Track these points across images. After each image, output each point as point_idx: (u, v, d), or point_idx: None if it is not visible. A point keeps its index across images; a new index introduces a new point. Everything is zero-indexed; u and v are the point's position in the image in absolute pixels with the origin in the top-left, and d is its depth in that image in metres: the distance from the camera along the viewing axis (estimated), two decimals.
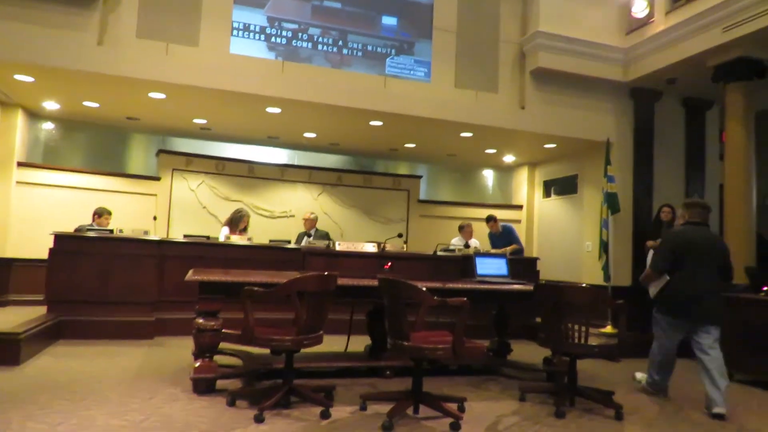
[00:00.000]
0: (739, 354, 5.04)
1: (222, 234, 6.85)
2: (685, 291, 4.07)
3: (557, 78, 7.45)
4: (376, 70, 7.01)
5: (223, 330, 3.88)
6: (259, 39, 6.59)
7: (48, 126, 8.00)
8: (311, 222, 7.39)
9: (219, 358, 4.07)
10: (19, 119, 7.18)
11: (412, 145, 8.61)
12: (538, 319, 4.27)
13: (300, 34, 6.75)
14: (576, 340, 3.80)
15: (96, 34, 5.81)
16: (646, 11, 7.15)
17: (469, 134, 7.65)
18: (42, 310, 5.63)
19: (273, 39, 6.65)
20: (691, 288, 4.05)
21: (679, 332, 4.24)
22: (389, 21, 7.16)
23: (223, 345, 4.13)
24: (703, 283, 4.05)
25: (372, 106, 6.71)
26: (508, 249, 7.23)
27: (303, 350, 3.57)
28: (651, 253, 5.84)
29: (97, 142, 8.43)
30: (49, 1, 5.58)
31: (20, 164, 7.20)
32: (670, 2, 6.93)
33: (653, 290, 4.32)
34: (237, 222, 6.93)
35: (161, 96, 6.48)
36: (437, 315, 5.58)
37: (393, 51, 7.10)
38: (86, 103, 6.99)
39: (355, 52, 6.96)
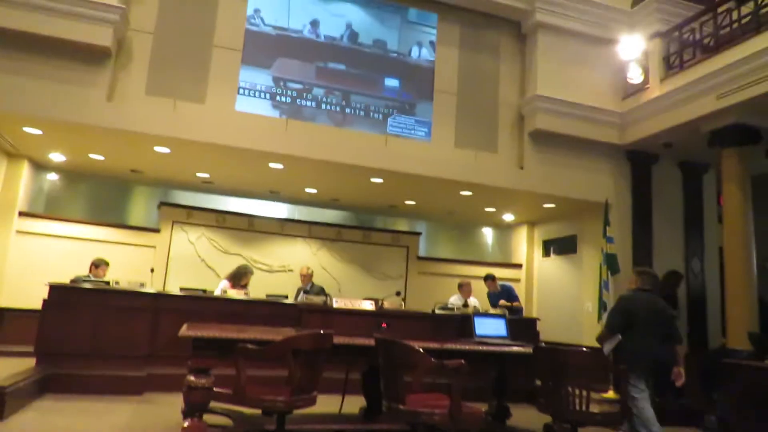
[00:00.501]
0: (742, 422, 4.89)
1: (220, 287, 6.79)
2: (641, 350, 4.27)
3: (555, 139, 7.59)
4: (378, 129, 7.16)
5: (214, 388, 3.77)
6: (265, 98, 6.76)
7: (52, 177, 8.10)
8: (308, 277, 7.35)
9: (209, 418, 3.94)
10: (25, 170, 7.29)
11: (412, 203, 8.67)
12: (538, 382, 4.16)
13: (304, 94, 6.94)
14: (577, 406, 3.69)
15: (106, 90, 5.97)
16: (642, 78, 7.36)
17: (468, 193, 7.72)
18: (31, 362, 5.50)
19: (278, 98, 6.83)
20: (643, 349, 4.26)
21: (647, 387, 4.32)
22: (391, 82, 7.37)
23: (213, 404, 4.01)
24: (652, 345, 4.29)
25: (373, 164, 6.81)
26: (509, 304, 7.16)
27: (296, 411, 3.47)
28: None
29: (99, 194, 8.51)
30: (62, 58, 5.78)
31: (21, 214, 7.24)
32: (664, 70, 7.15)
33: (607, 348, 4.52)
34: (239, 277, 6.88)
35: (166, 150, 6.59)
36: (434, 376, 5.44)
37: (395, 111, 7.28)
38: (92, 156, 7.10)
39: (357, 111, 7.13)
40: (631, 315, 4.37)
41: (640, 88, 7.43)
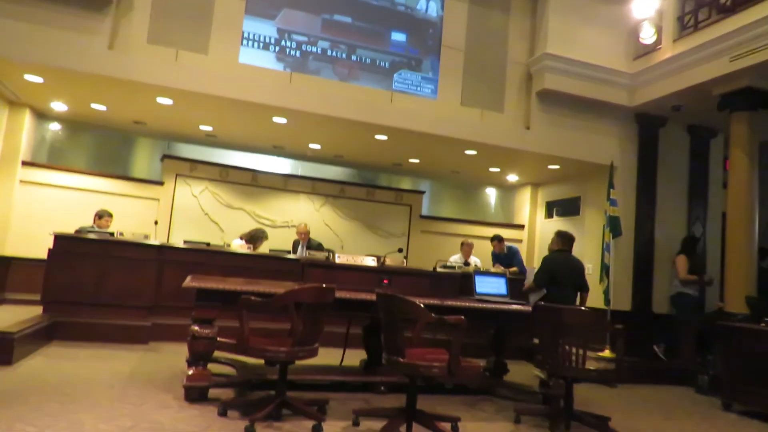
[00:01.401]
0: (738, 385, 5.00)
1: (234, 244, 6.89)
2: (562, 300, 4.91)
3: (563, 100, 7.48)
4: (384, 85, 7.05)
5: (218, 338, 3.85)
6: (269, 50, 6.63)
7: (54, 126, 8.04)
8: (305, 235, 7.39)
9: (213, 367, 4.04)
10: (27, 119, 7.22)
11: (416, 161, 8.63)
12: (536, 341, 4.23)
13: (309, 47, 6.80)
14: (573, 364, 3.76)
15: (107, 38, 5.86)
16: (654, 38, 7.18)
17: (473, 152, 7.66)
18: (38, 310, 5.61)
19: (282, 50, 6.69)
20: (563, 299, 4.94)
21: None
22: (398, 37, 7.21)
23: (217, 353, 4.10)
24: (570, 296, 5.21)
25: (377, 120, 6.74)
26: (509, 270, 7.19)
27: (298, 362, 3.54)
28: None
29: (102, 145, 8.46)
30: (62, 4, 5.64)
31: (25, 163, 7.23)
32: (677, 30, 6.97)
33: (533, 299, 5.35)
34: (255, 239, 7.01)
35: (169, 102, 6.52)
36: (434, 332, 5.54)
37: (401, 67, 7.14)
38: (94, 106, 7.03)
39: (363, 65, 6.99)
40: (554, 272, 5.24)
41: (652, 48, 7.26)
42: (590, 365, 3.80)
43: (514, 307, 4.59)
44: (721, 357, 5.75)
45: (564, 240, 5.47)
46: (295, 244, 7.48)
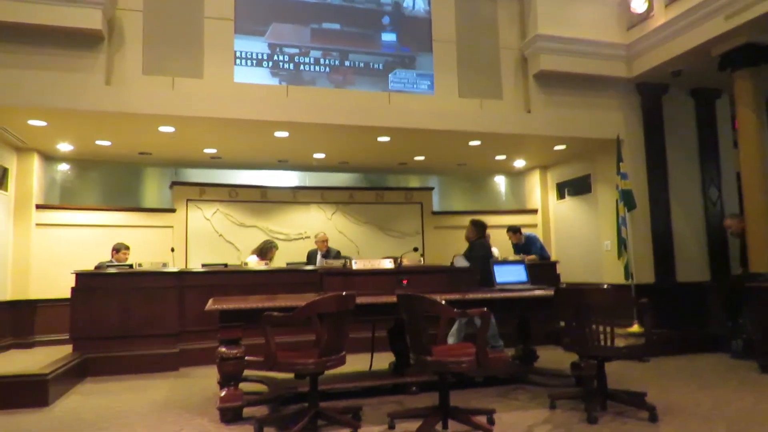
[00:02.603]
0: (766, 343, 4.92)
1: (249, 261, 6.98)
2: (488, 275, 5.32)
3: (561, 79, 7.42)
4: (380, 87, 7.06)
5: (246, 357, 3.88)
6: (262, 66, 6.67)
7: (63, 167, 8.16)
8: (325, 243, 7.47)
9: (244, 386, 4.07)
10: (35, 163, 7.34)
11: (422, 158, 8.62)
12: (562, 324, 4.21)
13: (302, 58, 6.83)
14: (602, 343, 3.73)
15: (103, 74, 5.93)
16: (645, 5, 7.11)
17: (477, 142, 7.64)
18: (68, 348, 5.70)
19: (276, 65, 6.72)
20: (488, 272, 5.35)
21: None
22: (389, 37, 7.21)
23: (247, 372, 4.13)
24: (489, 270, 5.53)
25: (378, 122, 6.74)
26: (527, 258, 7.17)
27: (327, 372, 3.56)
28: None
29: (111, 179, 8.56)
30: (56, 46, 5.72)
31: (38, 207, 7.34)
32: None
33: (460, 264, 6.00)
34: (266, 252, 7.14)
35: (171, 129, 6.58)
36: None
37: (395, 66, 7.14)
38: (99, 142, 7.12)
39: (357, 70, 7.01)
40: (486, 255, 6.12)
41: (645, 16, 7.19)
42: (619, 342, 3.77)
43: (537, 293, 4.58)
44: (752, 319, 5.67)
45: (481, 228, 6.40)
46: (311, 255, 7.52)
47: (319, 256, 7.32)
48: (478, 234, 6.37)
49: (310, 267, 6.89)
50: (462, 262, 6.06)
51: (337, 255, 7.11)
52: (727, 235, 7.24)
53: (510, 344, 5.53)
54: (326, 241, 7.54)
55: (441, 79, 7.27)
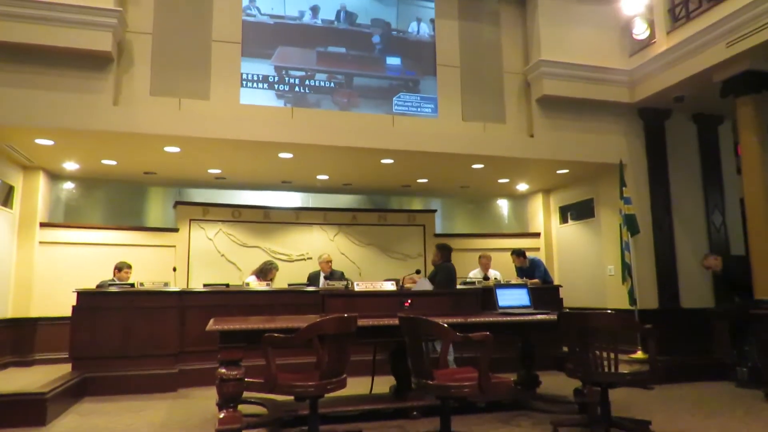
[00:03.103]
0: None
1: (251, 282, 6.95)
2: None
3: (564, 104, 7.48)
4: (384, 110, 7.12)
5: (246, 379, 3.84)
6: (268, 88, 6.75)
7: (68, 186, 8.21)
8: (329, 265, 7.43)
9: (244, 408, 4.02)
10: (41, 181, 7.39)
11: (425, 180, 8.65)
12: (565, 349, 4.17)
13: (307, 81, 6.91)
14: (606, 369, 3.69)
15: (111, 95, 6.00)
16: (647, 32, 7.19)
17: (480, 166, 7.67)
18: (67, 368, 5.66)
19: (281, 87, 6.81)
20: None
21: None
22: (393, 61, 7.30)
23: (247, 394, 4.09)
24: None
25: (382, 144, 6.79)
26: (530, 282, 7.13)
27: (327, 395, 3.52)
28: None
29: (115, 198, 8.60)
30: (66, 67, 5.81)
31: (42, 224, 7.37)
32: (670, 22, 6.98)
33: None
34: (266, 273, 7.09)
35: (176, 150, 6.63)
36: (461, 350, 5.49)
37: (399, 90, 7.22)
38: (104, 162, 7.18)
39: (361, 93, 7.08)
40: (452, 277, 6.37)
41: (647, 43, 7.27)
42: (623, 368, 3.73)
43: (539, 317, 4.54)
44: (758, 347, 5.60)
45: (446, 252, 6.67)
46: (313, 277, 7.46)
47: (322, 278, 7.28)
48: (443, 258, 6.57)
49: (311, 288, 6.86)
50: (426, 285, 6.07)
51: (341, 276, 7.08)
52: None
53: (512, 369, 5.47)
54: (330, 262, 7.50)
55: (445, 103, 7.34)
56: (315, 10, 7.04)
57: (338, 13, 7.15)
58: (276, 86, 6.77)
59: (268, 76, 6.76)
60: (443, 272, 6.39)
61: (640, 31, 7.22)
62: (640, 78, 7.36)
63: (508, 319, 4.47)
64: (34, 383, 4.81)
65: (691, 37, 6.44)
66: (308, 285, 6.98)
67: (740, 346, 6.18)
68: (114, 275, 6.74)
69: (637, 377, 3.95)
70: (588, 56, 7.44)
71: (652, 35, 7.18)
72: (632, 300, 6.87)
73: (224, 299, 6.27)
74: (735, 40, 5.92)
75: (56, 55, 5.73)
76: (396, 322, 3.64)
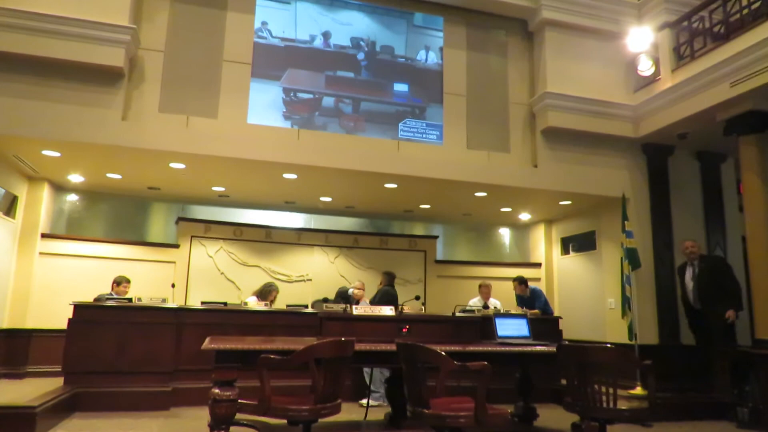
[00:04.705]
0: None
1: (250, 303, 6.89)
2: None
3: (568, 136, 7.54)
4: (389, 135, 7.18)
5: (239, 400, 3.79)
6: (276, 109, 6.82)
7: (72, 198, 8.24)
8: (362, 293, 7.12)
9: (235, 430, 3.96)
10: (45, 192, 7.42)
11: (427, 206, 8.66)
12: (564, 382, 4.12)
13: (315, 103, 6.99)
14: (604, 404, 3.64)
15: (120, 110, 6.07)
16: (652, 69, 7.29)
17: (483, 194, 7.69)
18: (59, 381, 5.59)
19: (289, 108, 6.88)
20: None
21: None
22: (401, 87, 7.39)
23: (239, 415, 4.02)
24: None
25: (386, 169, 6.82)
26: (530, 312, 7.08)
27: (321, 420, 3.47)
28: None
29: (118, 212, 8.63)
30: (77, 81, 5.89)
31: (44, 235, 7.38)
32: (675, 60, 7.07)
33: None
34: (266, 294, 7.02)
35: (181, 166, 6.67)
36: (458, 379, 5.42)
37: (405, 116, 7.29)
38: (109, 175, 7.22)
39: (368, 118, 7.15)
40: (387, 299, 6.79)
41: (652, 80, 7.36)
42: (622, 404, 3.67)
43: (538, 348, 4.49)
44: (759, 387, 5.53)
45: (390, 278, 7.42)
46: (342, 293, 7.32)
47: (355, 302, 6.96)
48: (387, 282, 7.33)
49: (310, 311, 6.78)
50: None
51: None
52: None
53: (510, 401, 5.40)
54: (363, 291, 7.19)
55: (450, 130, 7.39)
56: (326, 35, 7.16)
57: (352, 38, 7.25)
58: (284, 107, 6.84)
59: (277, 97, 6.82)
60: (383, 296, 7.08)
61: (646, 67, 7.32)
62: (644, 114, 7.43)
63: (507, 349, 4.42)
64: (24, 396, 4.75)
65: (696, 76, 6.52)
66: (335, 300, 6.93)
67: (741, 386, 6.10)
68: (112, 289, 6.71)
69: (636, 414, 3.90)
70: (593, 90, 7.52)
71: (657, 72, 7.28)
72: (632, 334, 6.80)
73: (221, 318, 6.22)
74: (739, 80, 5.99)
75: (69, 69, 5.81)
76: (393, 348, 3.61)
